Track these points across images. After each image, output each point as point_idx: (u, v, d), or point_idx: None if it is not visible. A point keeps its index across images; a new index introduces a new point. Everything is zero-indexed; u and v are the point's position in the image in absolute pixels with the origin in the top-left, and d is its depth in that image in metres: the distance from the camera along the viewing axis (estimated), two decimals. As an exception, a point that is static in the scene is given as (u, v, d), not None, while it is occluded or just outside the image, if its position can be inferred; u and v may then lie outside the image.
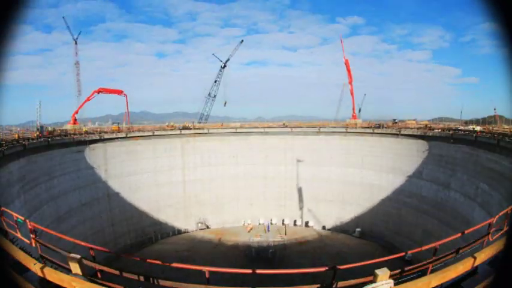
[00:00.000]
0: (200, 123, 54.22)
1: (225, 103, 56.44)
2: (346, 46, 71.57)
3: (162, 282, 6.29)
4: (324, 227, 39.78)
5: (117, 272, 6.50)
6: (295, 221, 41.03)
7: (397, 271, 6.15)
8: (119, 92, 47.52)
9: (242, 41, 57.11)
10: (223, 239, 36.58)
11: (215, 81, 57.36)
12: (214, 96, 57.52)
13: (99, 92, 44.91)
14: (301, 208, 41.22)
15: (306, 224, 40.58)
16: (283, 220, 40.95)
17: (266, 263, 29.60)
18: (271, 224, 40.32)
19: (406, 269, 6.19)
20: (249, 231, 37.50)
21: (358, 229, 37.41)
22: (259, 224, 40.39)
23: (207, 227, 40.03)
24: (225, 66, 56.95)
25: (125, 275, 6.58)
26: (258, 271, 6.47)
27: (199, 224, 39.92)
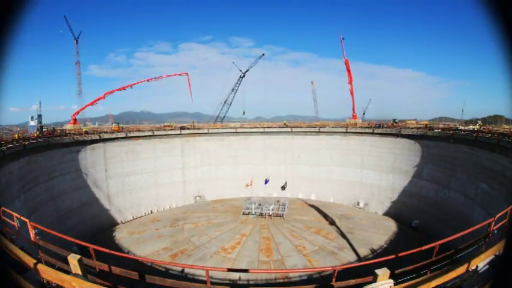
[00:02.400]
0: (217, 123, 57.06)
1: (244, 112, 59.50)
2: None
3: (162, 281, 6.29)
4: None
5: (117, 272, 6.51)
6: (296, 198, 40.39)
7: (398, 270, 6.15)
8: (125, 88, 49.52)
9: (263, 54, 58.83)
10: (221, 203, 36.83)
11: (232, 90, 59.20)
12: (230, 103, 60.32)
13: (104, 96, 46.73)
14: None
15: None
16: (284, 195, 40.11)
17: (266, 218, 29.00)
18: (272, 196, 39.63)
19: (407, 269, 6.20)
20: (245, 200, 36.13)
21: (361, 201, 37.30)
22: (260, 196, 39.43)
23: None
24: (244, 76, 58.03)
25: (126, 274, 6.58)
26: (257, 271, 6.46)
27: (197, 198, 40.18)
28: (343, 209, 34.39)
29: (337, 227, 27.12)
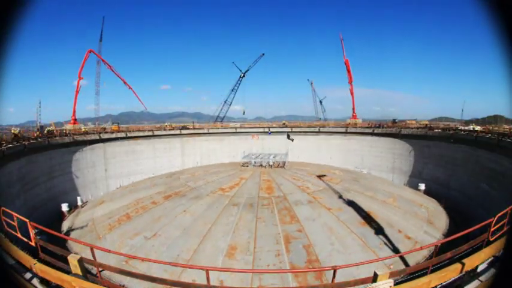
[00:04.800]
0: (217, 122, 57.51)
1: (244, 112, 59.45)
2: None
3: (162, 281, 6.29)
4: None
5: (117, 271, 6.51)
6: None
7: (397, 270, 6.15)
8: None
9: (263, 54, 58.29)
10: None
11: (232, 90, 59.37)
12: (230, 103, 60.88)
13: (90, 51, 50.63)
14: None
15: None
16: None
17: (266, 167, 27.70)
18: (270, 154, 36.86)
19: (407, 269, 6.20)
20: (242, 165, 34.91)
21: (364, 170, 36.82)
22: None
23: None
24: (243, 76, 58.01)
25: (126, 275, 6.59)
26: (260, 270, 6.43)
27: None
28: (345, 169, 32.38)
29: (342, 175, 25.54)
